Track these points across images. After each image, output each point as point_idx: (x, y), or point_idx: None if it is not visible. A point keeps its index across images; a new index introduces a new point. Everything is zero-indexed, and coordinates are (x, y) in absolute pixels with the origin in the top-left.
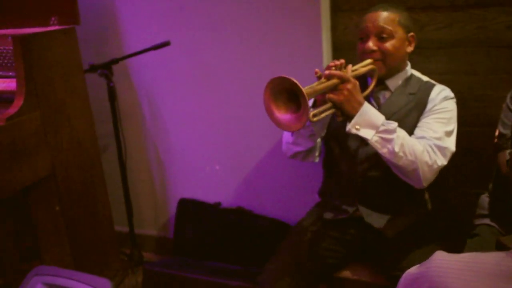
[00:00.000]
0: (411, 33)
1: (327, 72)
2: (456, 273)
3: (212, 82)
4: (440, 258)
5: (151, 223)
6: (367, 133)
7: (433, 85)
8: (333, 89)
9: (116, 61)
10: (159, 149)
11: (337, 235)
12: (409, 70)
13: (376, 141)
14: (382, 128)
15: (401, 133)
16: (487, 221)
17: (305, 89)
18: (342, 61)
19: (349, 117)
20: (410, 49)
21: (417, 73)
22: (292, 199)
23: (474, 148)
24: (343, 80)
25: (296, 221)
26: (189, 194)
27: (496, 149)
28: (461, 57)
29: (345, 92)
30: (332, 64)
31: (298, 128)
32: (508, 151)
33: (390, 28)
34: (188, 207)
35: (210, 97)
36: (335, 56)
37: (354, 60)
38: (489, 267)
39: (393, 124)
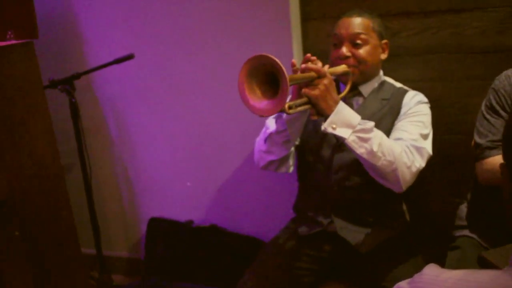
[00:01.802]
0: (385, 40)
1: (303, 65)
2: None
3: (181, 95)
4: (431, 274)
5: (120, 244)
6: (344, 132)
7: (406, 91)
8: (309, 83)
9: (77, 76)
10: (127, 166)
11: (312, 253)
12: (382, 76)
13: (353, 141)
14: (359, 127)
15: (378, 133)
16: (466, 232)
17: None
18: (315, 58)
19: (324, 116)
20: (384, 56)
21: (389, 80)
22: (267, 215)
23: (451, 156)
24: (320, 75)
25: (271, 238)
26: (159, 212)
27: (473, 159)
28: (435, 64)
29: (322, 87)
30: (308, 56)
31: (274, 113)
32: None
33: (364, 34)
34: (159, 226)
35: (179, 111)
36: None
37: None
38: (483, 285)
39: (370, 123)
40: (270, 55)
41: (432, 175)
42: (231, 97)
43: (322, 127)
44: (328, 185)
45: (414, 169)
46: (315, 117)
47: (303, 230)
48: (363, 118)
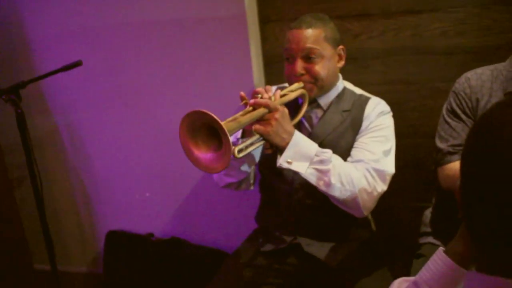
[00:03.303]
0: (340, 46)
1: (252, 101)
2: None
3: (136, 103)
4: None
5: (78, 259)
6: (300, 167)
7: (367, 99)
8: (260, 119)
9: (23, 84)
10: (82, 177)
11: (277, 267)
12: (341, 84)
13: (311, 174)
14: (316, 158)
15: (337, 161)
16: (430, 239)
17: (227, 123)
18: (268, 86)
19: (279, 149)
20: (341, 63)
21: (349, 86)
22: (230, 225)
23: (414, 160)
24: (271, 109)
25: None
26: (118, 225)
27: (435, 164)
28: (396, 66)
29: (273, 122)
30: (258, 90)
31: (220, 169)
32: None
33: (317, 48)
34: (117, 240)
35: (135, 120)
36: (267, 69)
37: None
38: None
39: (328, 153)
40: (205, 111)
41: (396, 181)
42: (188, 103)
43: (277, 163)
44: (290, 204)
45: (375, 194)
46: (269, 151)
47: (267, 247)
48: (324, 134)
